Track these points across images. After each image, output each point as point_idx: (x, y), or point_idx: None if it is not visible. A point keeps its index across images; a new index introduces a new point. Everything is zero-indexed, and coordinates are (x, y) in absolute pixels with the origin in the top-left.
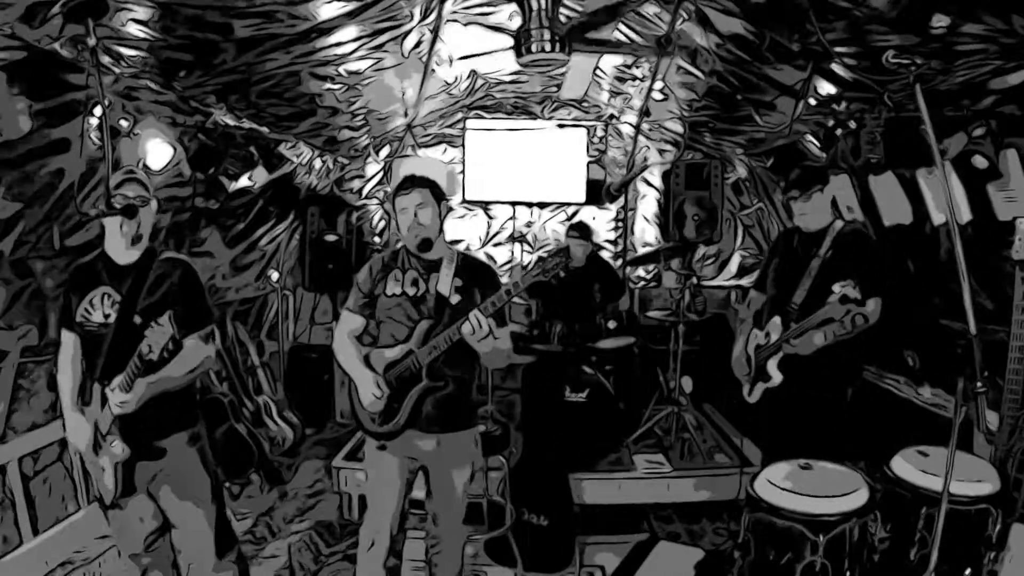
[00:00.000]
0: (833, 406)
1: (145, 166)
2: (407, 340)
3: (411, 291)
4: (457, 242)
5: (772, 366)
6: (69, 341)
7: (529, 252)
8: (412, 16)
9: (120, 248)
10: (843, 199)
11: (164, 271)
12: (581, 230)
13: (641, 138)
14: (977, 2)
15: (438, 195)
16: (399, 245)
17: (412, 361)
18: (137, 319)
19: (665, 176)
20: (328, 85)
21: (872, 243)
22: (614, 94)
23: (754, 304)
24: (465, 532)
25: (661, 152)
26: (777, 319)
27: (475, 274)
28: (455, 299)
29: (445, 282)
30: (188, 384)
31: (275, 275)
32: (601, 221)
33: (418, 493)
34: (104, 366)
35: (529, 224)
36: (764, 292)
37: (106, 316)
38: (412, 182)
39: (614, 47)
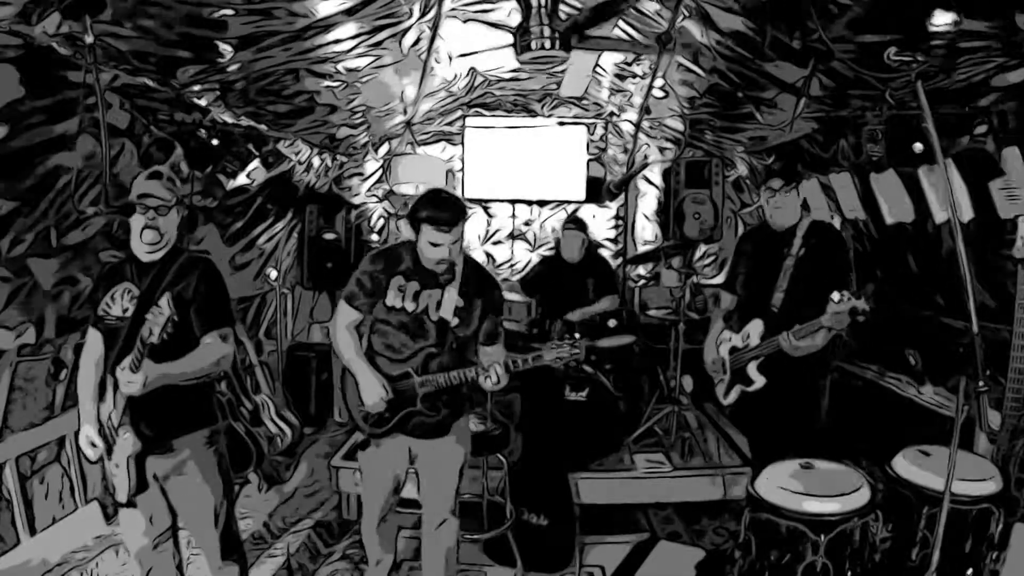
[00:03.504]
0: (812, 399)
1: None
2: (404, 357)
3: (410, 307)
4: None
5: (753, 370)
6: (93, 339)
7: (529, 250)
8: (411, 13)
9: (142, 251)
10: (844, 197)
11: (185, 269)
12: (577, 222)
13: (641, 136)
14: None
15: (465, 219)
16: (403, 240)
17: (409, 386)
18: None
19: (666, 174)
20: (326, 82)
21: (841, 237)
22: (614, 91)
23: (724, 304)
24: (456, 529)
25: (662, 150)
26: (759, 323)
27: (478, 292)
28: (454, 322)
29: (448, 305)
30: (206, 381)
31: (273, 273)
32: (601, 219)
33: (413, 493)
34: (117, 358)
35: (528, 222)
36: (734, 292)
37: (124, 310)
38: (453, 216)
39: (613, 45)
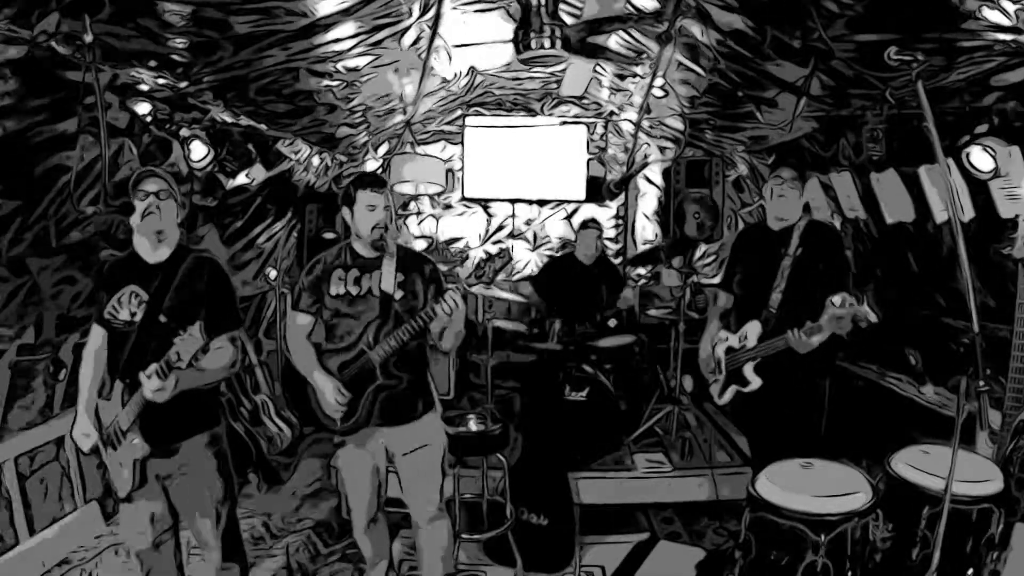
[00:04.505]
0: (812, 399)
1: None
2: (357, 340)
3: (354, 290)
4: (456, 240)
5: (749, 371)
6: (97, 334)
7: (529, 250)
8: (411, 12)
9: (146, 247)
10: (845, 196)
11: (193, 271)
12: (595, 222)
13: (641, 135)
14: None
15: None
16: (339, 245)
17: (366, 361)
18: (162, 318)
19: (666, 173)
20: (326, 82)
21: (839, 237)
22: (614, 91)
23: (721, 303)
24: (448, 529)
25: (662, 149)
26: (757, 324)
27: (415, 267)
28: (398, 295)
29: (388, 279)
30: (213, 385)
31: (273, 273)
32: (601, 219)
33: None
34: (126, 364)
35: (529, 221)
36: (730, 292)
37: (132, 315)
38: (382, 180)
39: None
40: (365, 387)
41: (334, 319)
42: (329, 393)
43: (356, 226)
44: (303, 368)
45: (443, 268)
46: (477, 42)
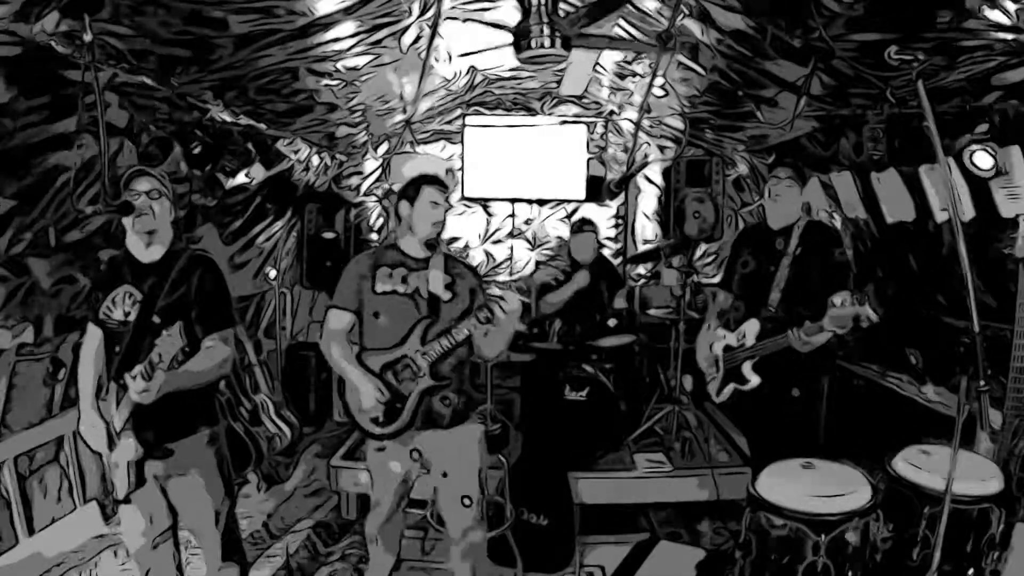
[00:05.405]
0: (812, 399)
1: None
2: (402, 339)
3: (401, 288)
4: (455, 240)
5: (748, 369)
6: (93, 335)
7: (529, 249)
8: (411, 12)
9: (139, 246)
10: (845, 196)
11: (186, 270)
12: (590, 223)
13: (641, 134)
14: None
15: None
16: (385, 244)
17: (413, 360)
18: (156, 319)
19: (666, 173)
20: (326, 81)
21: (838, 236)
22: (614, 90)
23: (720, 302)
24: (484, 539)
25: (662, 149)
26: (755, 323)
27: (460, 272)
28: (446, 296)
29: (436, 280)
30: (207, 384)
31: (272, 272)
32: (601, 218)
33: (417, 493)
34: (120, 365)
35: (528, 221)
36: (730, 291)
37: (126, 314)
38: (446, 183)
39: (614, 43)
40: (410, 389)
41: (376, 316)
42: (369, 392)
43: (415, 221)
44: (341, 367)
45: None
46: (478, 44)
